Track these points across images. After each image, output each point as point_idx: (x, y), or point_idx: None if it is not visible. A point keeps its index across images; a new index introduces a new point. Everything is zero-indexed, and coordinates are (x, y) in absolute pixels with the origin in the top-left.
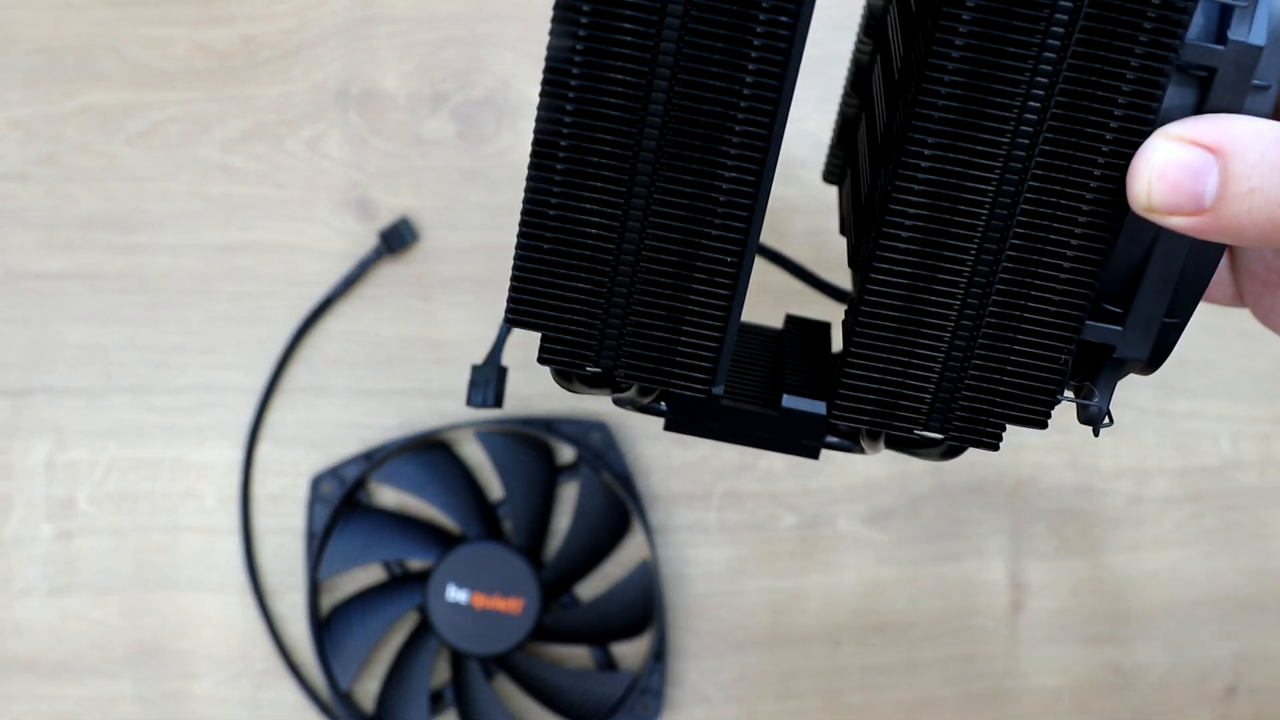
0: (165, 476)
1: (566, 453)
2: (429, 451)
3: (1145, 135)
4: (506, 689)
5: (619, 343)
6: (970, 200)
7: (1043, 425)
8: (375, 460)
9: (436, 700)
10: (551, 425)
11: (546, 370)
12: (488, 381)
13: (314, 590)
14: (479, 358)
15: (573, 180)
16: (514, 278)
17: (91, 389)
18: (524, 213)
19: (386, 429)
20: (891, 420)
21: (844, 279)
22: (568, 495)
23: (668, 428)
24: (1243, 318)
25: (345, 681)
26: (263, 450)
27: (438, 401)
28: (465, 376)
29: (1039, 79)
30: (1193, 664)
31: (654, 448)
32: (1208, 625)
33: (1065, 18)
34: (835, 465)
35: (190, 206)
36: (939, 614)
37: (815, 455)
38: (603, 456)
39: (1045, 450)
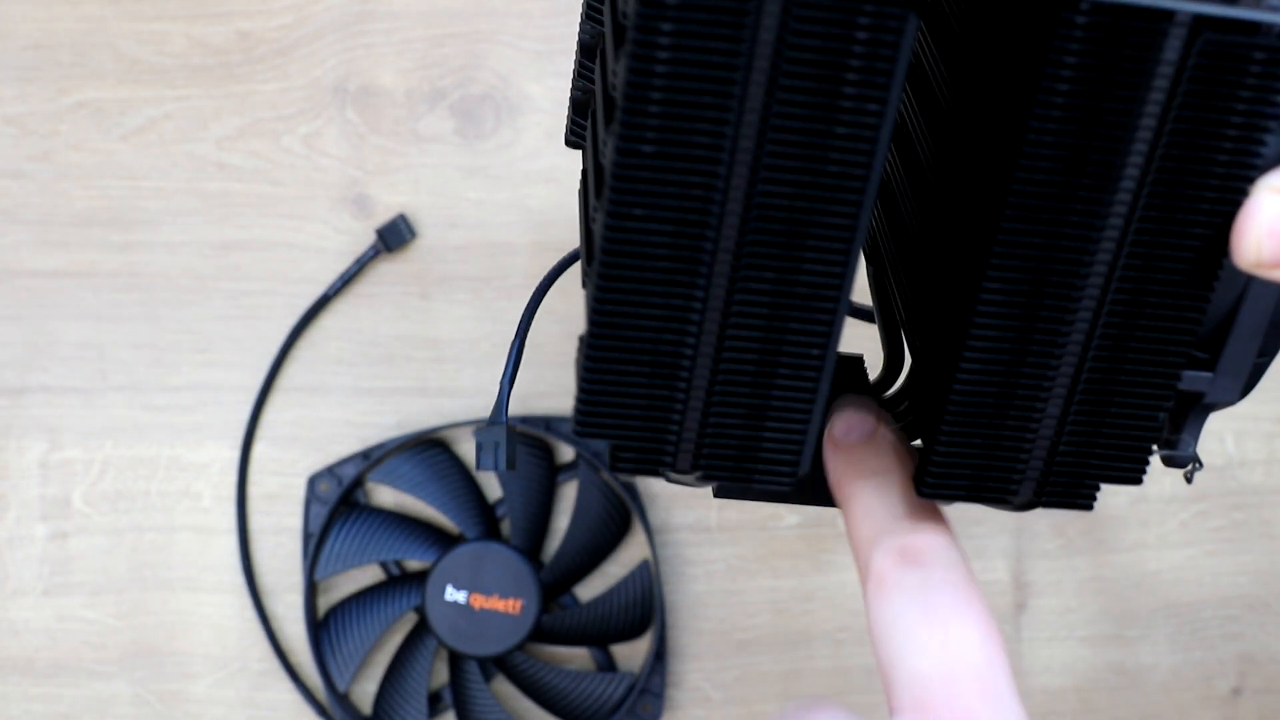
0: (161, 476)
1: (566, 452)
2: (427, 450)
3: (1247, 188)
4: (505, 690)
5: (697, 444)
6: (1068, 273)
7: (1138, 482)
8: (373, 459)
9: (435, 701)
10: (551, 424)
11: (545, 368)
12: (496, 444)
13: (311, 591)
14: (477, 356)
15: (645, 288)
16: (582, 389)
17: (87, 388)
18: (592, 321)
19: (384, 428)
20: (983, 492)
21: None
22: (567, 495)
23: (719, 495)
24: None
25: (343, 682)
26: (259, 449)
27: (436, 400)
28: (464, 375)
29: (1139, 143)
30: (1198, 664)
31: None
32: (1213, 625)
33: (1169, 75)
34: None
35: (186, 204)
36: None
37: None
38: (602, 455)
39: None
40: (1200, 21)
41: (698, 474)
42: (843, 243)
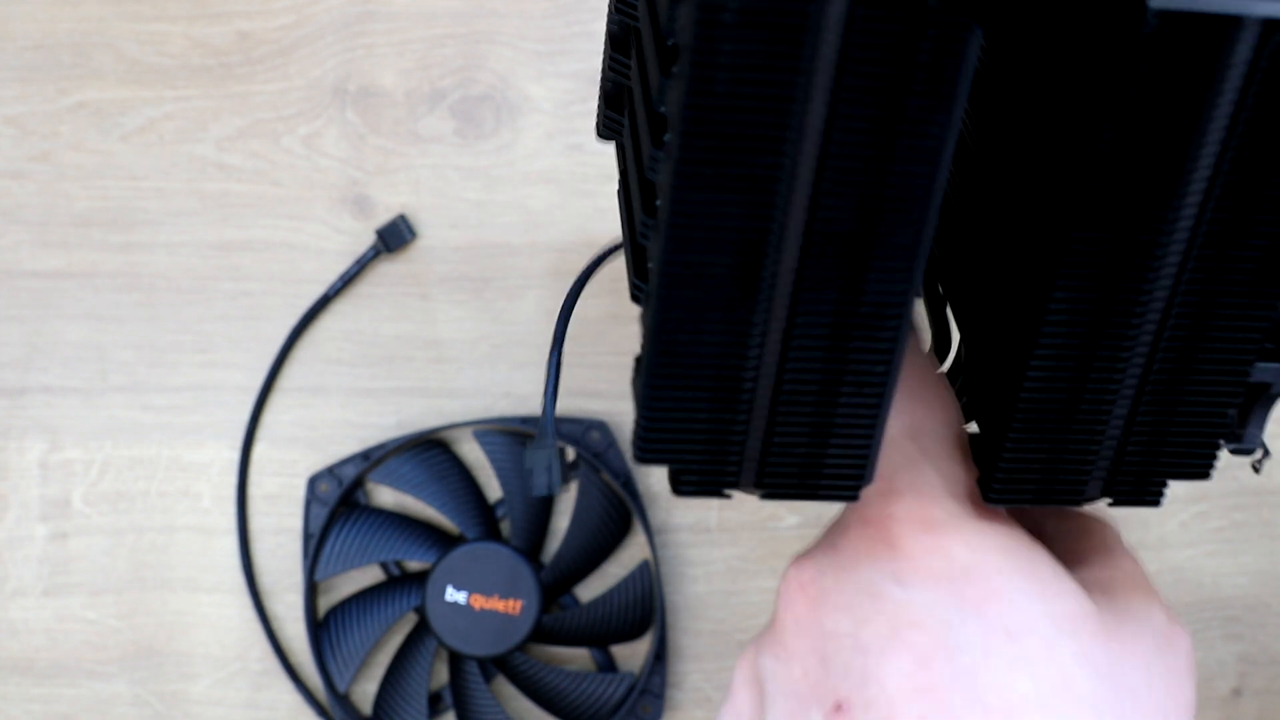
0: (161, 476)
1: (566, 452)
2: (427, 451)
3: None
4: (505, 691)
5: (760, 464)
6: (1137, 279)
7: (1207, 477)
8: (373, 460)
9: (435, 702)
10: None
11: (544, 367)
12: (549, 467)
13: (311, 591)
14: (477, 357)
15: (706, 314)
16: (643, 414)
17: (87, 388)
18: (654, 347)
19: (384, 428)
20: (1051, 495)
21: None
22: (567, 495)
23: (766, 497)
24: None
25: (343, 683)
26: (259, 450)
27: (436, 400)
28: (464, 375)
29: (1209, 145)
30: (1198, 665)
31: None
32: (1213, 627)
33: (1240, 77)
34: None
35: (187, 204)
36: None
37: None
38: (602, 456)
39: None
40: (1271, 24)
41: (761, 492)
42: (906, 260)
